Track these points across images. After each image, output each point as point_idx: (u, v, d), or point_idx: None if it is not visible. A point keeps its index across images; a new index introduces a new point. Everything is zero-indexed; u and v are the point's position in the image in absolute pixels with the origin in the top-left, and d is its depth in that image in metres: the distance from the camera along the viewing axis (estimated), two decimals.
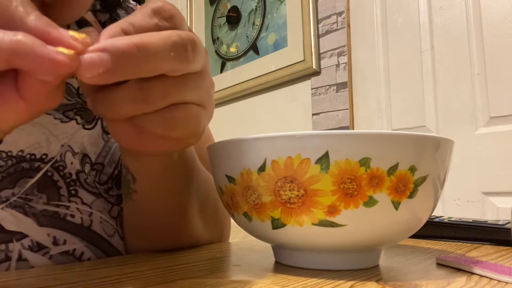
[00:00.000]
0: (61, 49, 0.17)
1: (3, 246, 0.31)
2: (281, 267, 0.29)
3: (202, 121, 0.25)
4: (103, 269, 0.29)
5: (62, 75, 0.18)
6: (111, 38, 0.20)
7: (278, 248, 0.31)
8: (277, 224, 0.27)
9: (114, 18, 0.43)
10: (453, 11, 1.15)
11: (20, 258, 0.32)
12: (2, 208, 0.32)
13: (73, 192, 0.35)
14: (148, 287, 0.23)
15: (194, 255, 0.35)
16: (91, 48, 0.19)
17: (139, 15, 0.21)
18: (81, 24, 0.40)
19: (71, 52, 0.18)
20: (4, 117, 0.18)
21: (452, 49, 1.15)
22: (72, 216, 0.35)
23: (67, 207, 0.35)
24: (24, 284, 0.25)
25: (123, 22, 0.21)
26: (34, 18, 0.18)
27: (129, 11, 0.45)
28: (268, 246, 0.34)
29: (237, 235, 0.52)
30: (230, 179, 0.28)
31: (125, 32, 0.20)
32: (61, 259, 0.33)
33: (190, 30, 0.24)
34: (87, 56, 0.18)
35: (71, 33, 0.18)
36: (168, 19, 0.22)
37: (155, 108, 0.22)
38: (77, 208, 0.35)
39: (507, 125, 1.03)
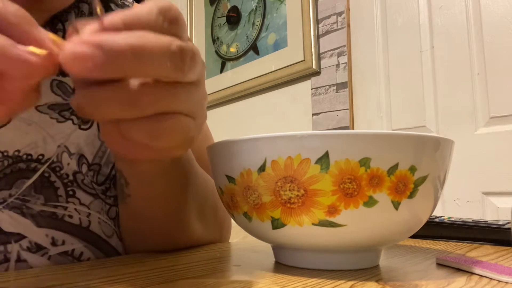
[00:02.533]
0: (32, 48, 0.16)
1: (1, 248, 0.31)
2: (281, 267, 0.29)
3: (191, 133, 0.24)
4: (102, 269, 0.29)
5: (37, 77, 0.17)
6: (112, 26, 0.19)
7: (278, 248, 0.31)
8: (277, 224, 0.27)
9: None
10: (453, 11, 1.15)
11: (19, 259, 0.32)
12: None
13: (70, 192, 0.35)
14: (148, 287, 0.23)
15: (194, 255, 0.35)
16: (86, 38, 0.18)
17: (145, 9, 0.20)
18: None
19: (43, 52, 0.17)
20: None
21: (452, 49, 1.15)
22: (70, 216, 0.34)
23: (65, 208, 0.34)
24: (23, 284, 0.25)
25: (129, 13, 0.20)
26: (13, 13, 0.17)
27: (125, 8, 0.44)
28: (268, 246, 0.34)
29: (237, 235, 0.52)
30: (230, 179, 0.28)
31: (126, 25, 0.19)
32: (60, 260, 0.33)
33: (189, 39, 0.23)
34: (79, 48, 0.18)
35: (52, 36, 0.17)
36: (173, 22, 0.21)
37: (141, 113, 0.21)
38: (75, 209, 0.35)
39: (507, 125, 1.03)
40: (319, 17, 1.47)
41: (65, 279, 0.26)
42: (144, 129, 0.21)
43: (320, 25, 1.47)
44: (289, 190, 0.25)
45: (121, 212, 0.37)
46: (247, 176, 0.27)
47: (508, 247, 0.40)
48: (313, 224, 0.25)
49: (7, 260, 0.31)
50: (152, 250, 0.38)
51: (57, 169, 0.35)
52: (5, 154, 0.33)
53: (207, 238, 0.43)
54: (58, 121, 0.35)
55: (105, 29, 0.19)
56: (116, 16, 0.19)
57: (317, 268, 0.28)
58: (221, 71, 1.87)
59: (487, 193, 1.06)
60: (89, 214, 0.36)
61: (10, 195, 0.32)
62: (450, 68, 1.15)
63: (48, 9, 0.34)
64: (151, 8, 0.20)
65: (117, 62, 0.18)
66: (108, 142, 0.23)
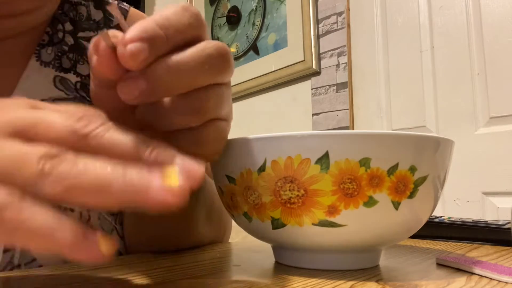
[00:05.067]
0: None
1: None
2: (281, 267, 0.29)
3: (227, 135, 0.25)
4: (103, 269, 0.29)
5: None
6: (145, 33, 0.19)
7: (278, 248, 0.31)
8: (277, 224, 0.27)
9: (108, 18, 0.43)
10: (453, 11, 1.15)
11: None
12: None
13: None
14: (148, 287, 0.23)
15: (194, 255, 0.35)
16: (128, 38, 0.19)
17: (171, 10, 0.21)
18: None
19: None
20: None
21: (452, 49, 1.15)
22: (72, 210, 0.35)
23: None
24: (24, 284, 0.25)
25: (158, 18, 0.20)
26: None
27: (122, 11, 0.45)
28: (268, 246, 0.34)
29: (237, 235, 0.52)
30: (230, 179, 0.28)
31: (161, 27, 0.20)
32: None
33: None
34: (129, 47, 0.18)
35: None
36: (196, 17, 0.21)
37: (203, 121, 0.22)
38: None
39: (507, 125, 1.03)
40: (319, 17, 1.47)
41: (65, 279, 0.26)
42: (192, 139, 0.22)
43: (320, 25, 1.47)
44: (289, 190, 0.25)
45: (132, 216, 0.37)
46: (247, 176, 0.27)
47: (508, 247, 0.40)
48: (313, 224, 0.25)
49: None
50: (157, 250, 0.38)
51: None
52: None
53: (210, 239, 0.43)
54: None
55: (142, 38, 0.19)
56: (147, 21, 0.20)
57: (317, 268, 0.28)
58: None
59: (487, 193, 1.06)
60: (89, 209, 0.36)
61: None
62: (450, 68, 1.15)
63: (16, 15, 0.36)
64: (175, 8, 0.21)
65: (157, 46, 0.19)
66: None
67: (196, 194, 0.36)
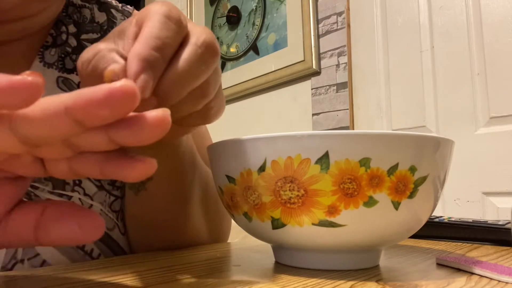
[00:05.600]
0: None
1: None
2: (281, 267, 0.29)
3: (225, 101, 0.28)
4: (103, 269, 0.29)
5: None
6: (145, 62, 0.20)
7: (278, 248, 0.31)
8: (277, 224, 0.27)
9: (111, 20, 0.44)
10: (453, 11, 1.15)
11: None
12: None
13: (77, 181, 0.36)
14: (148, 287, 0.24)
15: (194, 255, 0.35)
16: (132, 74, 0.20)
17: (156, 25, 0.21)
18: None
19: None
20: None
21: (452, 49, 1.15)
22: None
23: (70, 197, 0.36)
24: (24, 284, 0.25)
25: (150, 40, 0.21)
26: None
27: (125, 14, 0.46)
28: (268, 246, 0.34)
29: (237, 235, 0.52)
30: (230, 179, 0.28)
31: (156, 49, 0.20)
32: (65, 248, 0.34)
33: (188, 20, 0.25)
34: (137, 84, 0.19)
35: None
36: (180, 23, 0.22)
37: (207, 102, 0.24)
38: (79, 199, 0.36)
39: (507, 125, 1.03)
40: (319, 17, 1.47)
41: (65, 279, 0.26)
42: (199, 116, 0.26)
43: (320, 25, 1.47)
44: (289, 190, 0.25)
45: (133, 206, 0.37)
46: (247, 176, 0.27)
47: (508, 247, 0.40)
48: (313, 224, 0.26)
49: None
50: (157, 242, 0.38)
51: None
52: None
53: (207, 230, 0.43)
54: None
55: (144, 68, 0.20)
56: (141, 48, 0.20)
57: (317, 268, 0.28)
58: (221, 71, 1.87)
59: (487, 193, 1.06)
60: (91, 205, 0.37)
61: None
62: (450, 68, 1.15)
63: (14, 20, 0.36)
64: (160, 21, 0.21)
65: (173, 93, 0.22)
66: None
67: (191, 173, 0.37)
